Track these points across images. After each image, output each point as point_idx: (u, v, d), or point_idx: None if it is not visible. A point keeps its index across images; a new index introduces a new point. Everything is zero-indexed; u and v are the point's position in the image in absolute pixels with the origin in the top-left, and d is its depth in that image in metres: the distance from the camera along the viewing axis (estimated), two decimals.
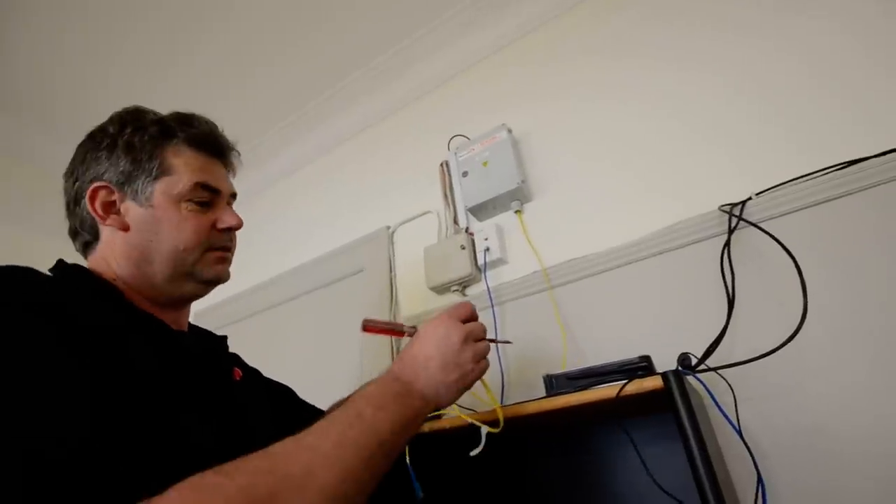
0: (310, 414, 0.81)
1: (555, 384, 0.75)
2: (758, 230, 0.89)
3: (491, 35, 1.51)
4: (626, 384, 0.64)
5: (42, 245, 1.15)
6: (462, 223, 1.31)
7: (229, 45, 1.53)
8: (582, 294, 1.07)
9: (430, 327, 0.63)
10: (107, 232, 0.62)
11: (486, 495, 0.97)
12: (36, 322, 0.42)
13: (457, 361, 0.61)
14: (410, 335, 0.69)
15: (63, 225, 0.66)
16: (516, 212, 1.23)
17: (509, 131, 1.28)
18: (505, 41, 1.49)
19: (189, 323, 0.71)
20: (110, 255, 0.61)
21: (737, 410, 0.77)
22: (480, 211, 1.27)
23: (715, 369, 0.70)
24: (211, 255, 0.65)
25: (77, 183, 0.62)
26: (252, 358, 0.81)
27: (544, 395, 0.74)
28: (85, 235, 0.63)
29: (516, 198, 1.22)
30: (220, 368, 0.67)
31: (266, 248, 1.83)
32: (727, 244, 0.91)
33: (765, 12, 1.07)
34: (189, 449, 0.45)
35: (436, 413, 0.71)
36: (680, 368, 0.65)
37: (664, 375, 0.61)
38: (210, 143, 0.67)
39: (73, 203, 0.63)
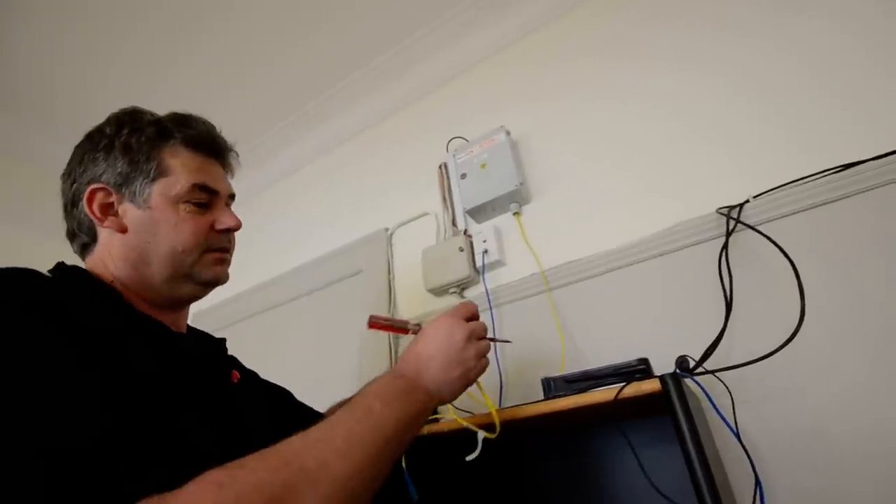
0: (308, 416, 0.82)
1: (553, 387, 0.75)
2: (755, 233, 0.89)
3: (490, 36, 1.51)
4: (623, 387, 0.64)
5: (42, 245, 1.15)
6: (460, 225, 1.31)
7: (229, 45, 1.53)
8: (580, 296, 1.07)
9: (435, 325, 0.65)
10: (104, 234, 0.61)
11: (484, 498, 0.97)
12: (39, 322, 0.42)
13: (460, 358, 0.63)
14: (415, 332, 0.71)
15: (62, 226, 0.66)
16: (515, 214, 1.23)
17: (508, 133, 1.28)
18: (505, 42, 1.49)
19: (188, 325, 0.71)
20: (108, 257, 0.61)
21: (734, 413, 0.77)
22: (479, 213, 1.27)
23: (713, 372, 0.70)
24: (209, 257, 0.65)
25: (74, 185, 0.62)
26: (251, 359, 0.81)
27: (542, 397, 0.74)
28: (83, 237, 0.63)
29: (515, 200, 1.22)
30: (218, 370, 0.67)
31: (265, 249, 1.83)
32: (725, 247, 0.91)
33: (765, 12, 1.07)
34: (188, 450, 0.45)
35: (433, 417, 0.71)
36: (678, 371, 0.65)
37: (662, 378, 0.61)
38: (208, 143, 0.67)
39: (71, 205, 0.63)
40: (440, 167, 1.42)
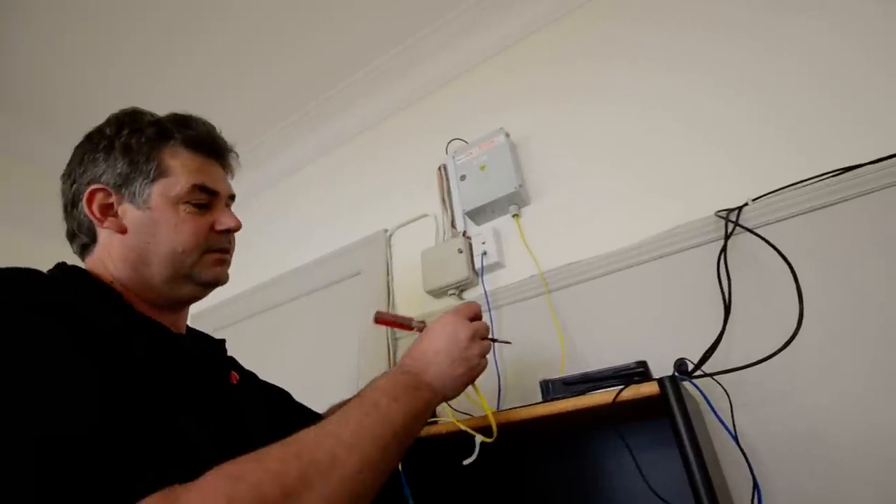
0: (306, 417, 0.81)
1: (551, 389, 0.75)
2: (754, 236, 0.89)
3: (490, 38, 1.51)
4: (622, 390, 0.64)
5: (42, 246, 1.15)
6: (459, 227, 1.31)
7: (229, 45, 1.54)
8: (578, 298, 1.07)
9: (441, 323, 0.66)
10: (104, 234, 0.61)
11: (482, 500, 0.96)
12: (47, 322, 0.43)
13: (465, 357, 0.64)
14: (419, 330, 0.73)
15: (62, 226, 0.66)
16: (514, 216, 1.23)
17: (507, 135, 1.28)
18: (506, 43, 1.49)
19: (187, 326, 0.71)
20: (107, 258, 0.61)
21: (733, 416, 0.76)
22: (478, 215, 1.27)
23: (711, 375, 0.70)
24: (209, 258, 0.65)
25: (74, 185, 0.62)
26: (250, 359, 0.81)
27: (541, 400, 0.74)
28: (82, 238, 0.63)
29: (514, 202, 1.22)
30: (218, 372, 0.67)
31: (264, 250, 1.83)
32: (724, 249, 0.92)
33: (764, 14, 1.08)
34: (187, 451, 0.45)
35: (431, 420, 0.71)
36: (676, 374, 0.65)
37: (660, 381, 0.61)
38: (208, 144, 0.67)
39: (71, 205, 0.63)
40: (439, 169, 1.42)
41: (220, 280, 0.67)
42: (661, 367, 0.70)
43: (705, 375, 0.69)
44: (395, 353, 1.29)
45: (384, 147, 1.67)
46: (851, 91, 0.94)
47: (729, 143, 1.02)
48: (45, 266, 0.54)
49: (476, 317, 0.70)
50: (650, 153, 1.11)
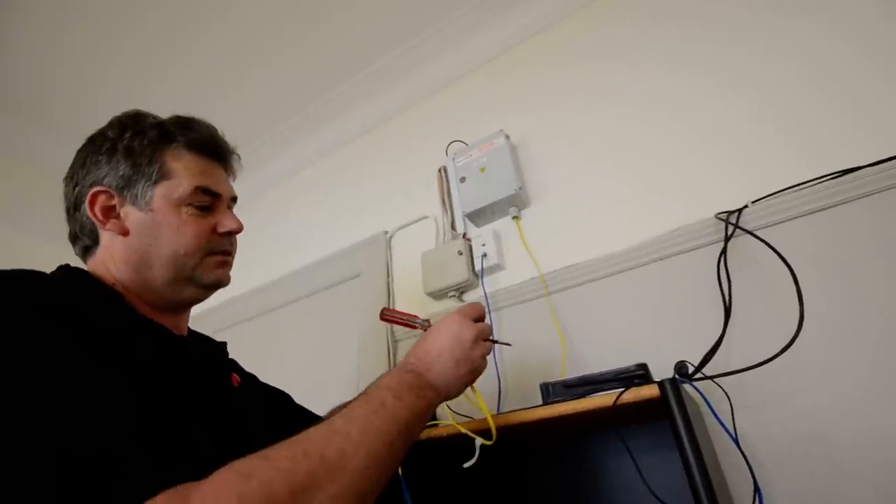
0: (307, 419, 0.81)
1: (551, 392, 0.75)
2: (754, 238, 0.89)
3: (490, 39, 1.51)
4: (622, 392, 0.64)
5: (42, 247, 1.14)
6: (459, 229, 1.31)
7: (229, 46, 1.53)
8: (579, 300, 1.07)
9: (445, 323, 0.67)
10: (106, 236, 0.62)
11: (482, 503, 0.96)
12: (50, 323, 0.43)
13: (468, 357, 0.65)
14: (424, 329, 0.74)
15: (63, 226, 0.66)
16: (514, 218, 1.23)
17: (507, 137, 1.28)
18: (508, 44, 1.49)
19: (189, 328, 0.71)
20: (110, 260, 0.61)
21: (733, 419, 0.77)
22: (478, 217, 1.27)
23: (711, 377, 0.70)
24: (211, 260, 0.65)
25: (77, 188, 0.62)
26: (250, 361, 0.81)
27: (541, 402, 0.74)
28: (85, 240, 0.63)
29: (514, 204, 1.23)
30: (219, 374, 0.67)
31: (265, 251, 1.83)
32: (723, 252, 0.92)
33: (765, 16, 1.08)
34: (191, 452, 0.45)
35: (431, 423, 0.71)
36: (676, 377, 0.65)
37: (661, 384, 0.61)
38: (210, 146, 0.67)
39: (73, 208, 0.63)
40: (439, 171, 1.42)
41: (222, 282, 0.67)
42: (662, 370, 0.71)
43: (706, 378, 0.69)
44: (395, 355, 1.29)
45: (384, 149, 1.67)
46: (851, 93, 0.94)
47: (729, 144, 1.02)
48: (46, 267, 0.54)
49: (480, 318, 0.71)
50: (650, 155, 1.11)
